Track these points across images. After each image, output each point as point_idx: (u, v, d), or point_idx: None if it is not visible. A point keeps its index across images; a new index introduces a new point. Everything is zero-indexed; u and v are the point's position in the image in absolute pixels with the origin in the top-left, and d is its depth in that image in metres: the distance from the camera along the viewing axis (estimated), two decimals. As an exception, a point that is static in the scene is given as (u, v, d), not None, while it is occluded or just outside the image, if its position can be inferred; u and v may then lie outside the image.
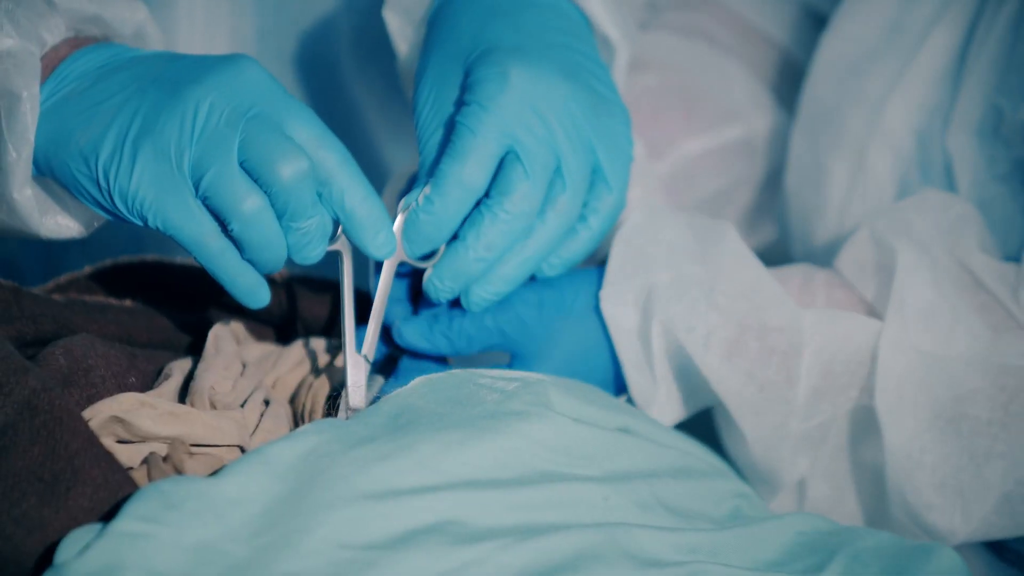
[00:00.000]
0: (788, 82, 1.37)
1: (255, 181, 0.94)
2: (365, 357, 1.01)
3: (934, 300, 1.02)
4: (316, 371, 1.05)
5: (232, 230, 0.94)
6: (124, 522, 0.81)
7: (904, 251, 1.04)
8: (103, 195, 0.96)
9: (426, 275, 1.03)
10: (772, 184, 1.36)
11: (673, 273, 1.04)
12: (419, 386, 0.96)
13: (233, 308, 1.11)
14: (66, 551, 0.81)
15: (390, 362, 1.08)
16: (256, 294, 0.98)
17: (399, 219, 1.02)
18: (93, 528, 0.82)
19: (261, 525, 0.83)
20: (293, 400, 1.05)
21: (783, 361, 1.03)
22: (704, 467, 0.99)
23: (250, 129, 0.94)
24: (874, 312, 1.06)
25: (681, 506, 0.94)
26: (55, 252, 1.40)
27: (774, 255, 1.37)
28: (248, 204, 0.94)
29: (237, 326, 1.08)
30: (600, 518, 0.90)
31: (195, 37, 1.31)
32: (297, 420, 1.02)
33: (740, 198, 1.36)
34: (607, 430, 0.95)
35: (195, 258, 0.96)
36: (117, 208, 0.96)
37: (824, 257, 1.19)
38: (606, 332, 1.06)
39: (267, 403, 1.00)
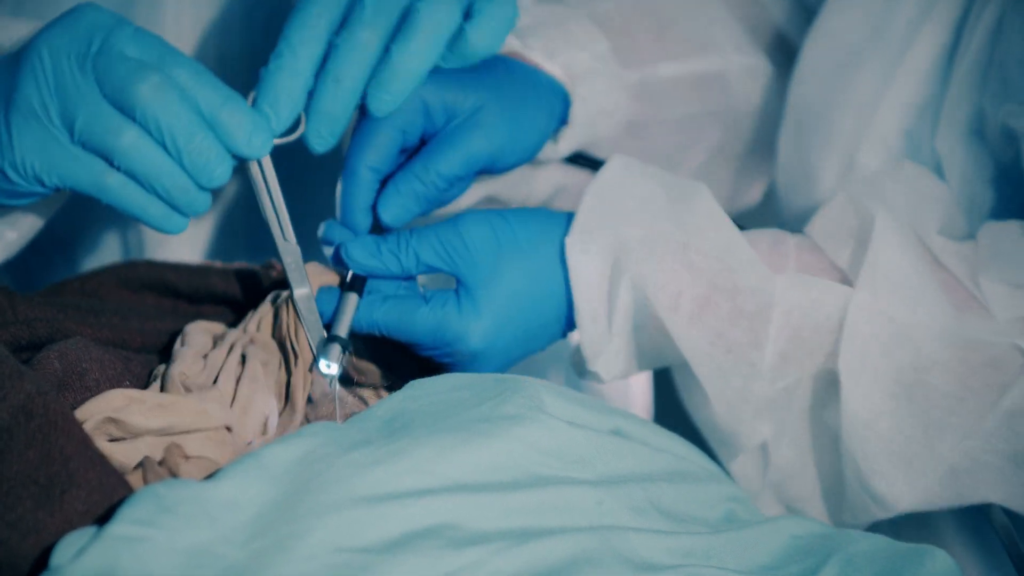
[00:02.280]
0: (769, 34, 1.35)
1: (123, 114, 0.94)
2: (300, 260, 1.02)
3: (906, 269, 1.03)
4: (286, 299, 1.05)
5: (120, 168, 0.95)
6: (119, 526, 0.81)
7: (882, 217, 1.04)
8: (3, 179, 0.96)
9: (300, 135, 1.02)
10: (743, 124, 1.35)
11: (645, 229, 1.04)
12: (413, 390, 0.96)
13: (224, 311, 1.11)
14: (61, 555, 0.81)
15: (359, 280, 1.07)
16: (170, 219, 0.97)
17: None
18: (88, 532, 0.82)
19: (256, 529, 0.83)
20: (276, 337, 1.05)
21: (751, 323, 1.03)
22: (698, 471, 0.99)
23: (99, 64, 0.94)
24: (846, 278, 1.06)
25: (675, 509, 0.94)
26: (43, 260, 1.40)
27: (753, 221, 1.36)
28: (123, 138, 0.94)
29: (216, 325, 1.08)
30: (594, 521, 0.90)
31: (183, 35, 1.31)
32: (286, 352, 1.02)
33: (710, 134, 1.34)
34: (600, 433, 0.96)
35: (101, 200, 0.96)
36: (16, 184, 0.96)
37: None
38: (556, 271, 1.05)
39: (244, 362, 1.00)
